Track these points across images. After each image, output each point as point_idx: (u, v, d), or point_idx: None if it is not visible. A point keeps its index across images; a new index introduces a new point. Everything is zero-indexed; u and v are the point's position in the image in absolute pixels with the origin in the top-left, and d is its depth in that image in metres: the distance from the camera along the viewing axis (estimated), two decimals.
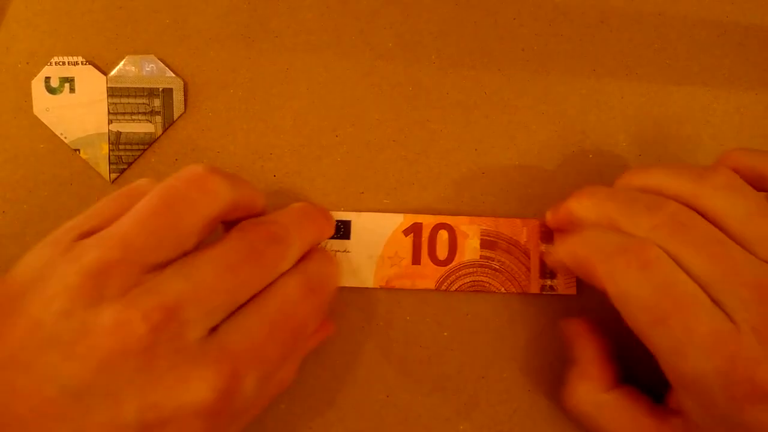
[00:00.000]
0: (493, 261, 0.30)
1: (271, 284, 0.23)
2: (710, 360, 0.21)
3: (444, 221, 0.30)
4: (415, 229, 0.30)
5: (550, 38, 0.32)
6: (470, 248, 0.30)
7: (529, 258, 0.30)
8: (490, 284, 0.30)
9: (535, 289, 0.30)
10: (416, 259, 0.29)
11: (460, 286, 0.30)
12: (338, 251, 0.29)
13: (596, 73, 0.32)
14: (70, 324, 0.19)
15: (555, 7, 0.32)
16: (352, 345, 0.30)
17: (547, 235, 0.30)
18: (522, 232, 0.30)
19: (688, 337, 0.21)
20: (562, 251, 0.26)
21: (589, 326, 0.28)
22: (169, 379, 0.19)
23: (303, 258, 0.25)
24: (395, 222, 0.30)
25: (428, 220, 0.30)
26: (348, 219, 0.30)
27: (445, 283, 0.29)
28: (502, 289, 0.30)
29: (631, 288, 0.23)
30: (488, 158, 0.31)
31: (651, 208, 0.24)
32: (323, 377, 0.30)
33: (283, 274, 0.24)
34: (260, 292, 0.23)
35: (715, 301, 0.22)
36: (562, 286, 0.30)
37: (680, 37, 0.32)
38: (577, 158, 0.31)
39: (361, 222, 0.30)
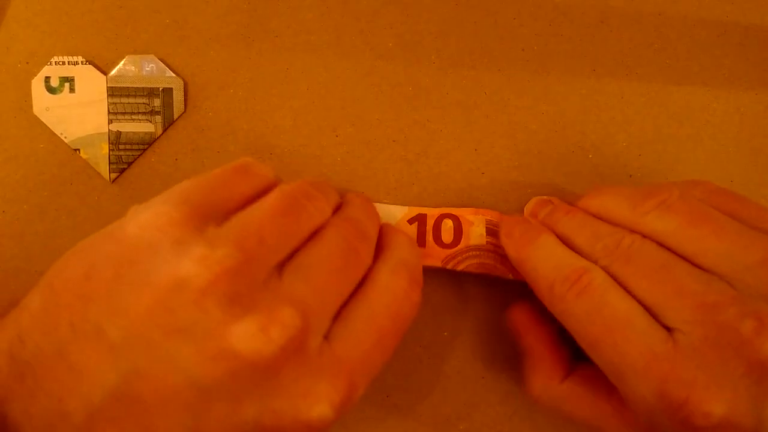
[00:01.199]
0: (499, 248, 0.29)
1: (369, 278, 0.23)
2: (645, 382, 0.21)
3: (448, 212, 0.29)
4: (419, 219, 0.29)
5: (550, 38, 0.32)
6: (476, 234, 0.29)
7: None
8: (497, 267, 0.28)
9: None
10: (421, 243, 0.29)
11: (467, 266, 0.29)
12: None
13: (596, 73, 0.32)
14: (204, 319, 0.18)
15: (555, 7, 0.32)
16: None
17: None
18: None
19: (621, 360, 0.22)
20: (512, 250, 0.27)
21: (532, 314, 0.27)
22: (293, 389, 0.20)
23: (385, 248, 0.25)
24: (399, 211, 0.29)
25: (432, 212, 0.29)
26: None
27: (452, 263, 0.29)
28: (510, 275, 0.28)
29: (567, 312, 0.23)
30: (488, 158, 0.31)
31: (598, 236, 0.24)
32: None
33: (373, 268, 0.24)
34: (359, 287, 0.23)
35: (663, 324, 0.22)
36: None
37: (680, 37, 0.32)
38: (577, 158, 0.31)
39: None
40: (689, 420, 0.20)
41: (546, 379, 0.26)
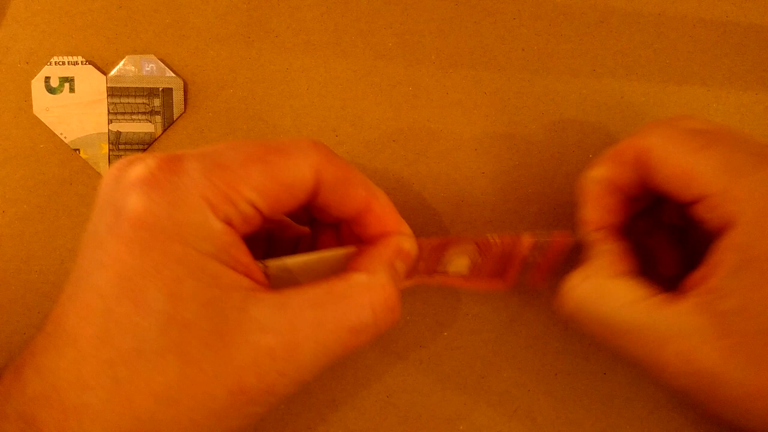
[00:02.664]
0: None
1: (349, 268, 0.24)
2: None
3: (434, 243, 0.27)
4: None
5: (550, 38, 0.32)
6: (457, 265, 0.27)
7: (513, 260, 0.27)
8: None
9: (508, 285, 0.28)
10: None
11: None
12: None
13: (596, 73, 0.32)
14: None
15: (555, 7, 0.32)
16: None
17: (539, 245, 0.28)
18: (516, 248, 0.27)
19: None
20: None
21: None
22: None
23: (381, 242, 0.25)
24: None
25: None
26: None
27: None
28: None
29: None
30: (488, 158, 0.31)
31: None
32: (323, 377, 0.30)
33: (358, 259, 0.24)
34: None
35: None
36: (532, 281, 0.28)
37: (680, 37, 0.32)
38: (577, 158, 0.31)
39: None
40: None
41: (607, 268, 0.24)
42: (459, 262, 0.27)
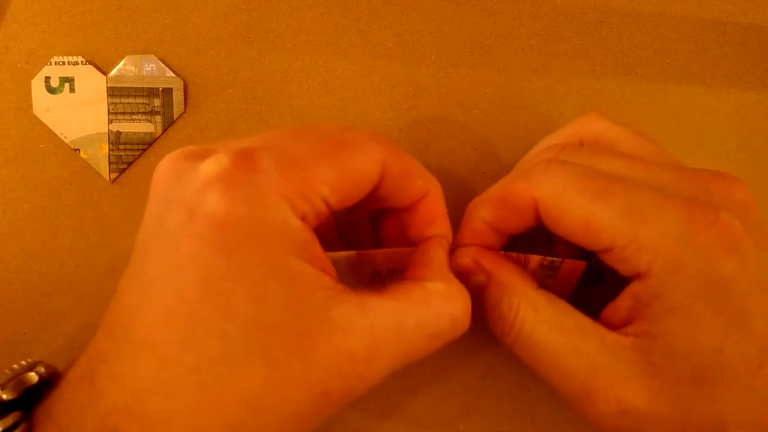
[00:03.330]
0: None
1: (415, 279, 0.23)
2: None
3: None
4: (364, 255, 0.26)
5: (550, 38, 0.32)
6: None
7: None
8: None
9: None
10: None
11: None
12: None
13: (596, 73, 0.32)
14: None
15: (555, 7, 0.32)
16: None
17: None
18: None
19: None
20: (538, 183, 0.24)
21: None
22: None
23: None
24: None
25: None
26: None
27: None
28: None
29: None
30: (488, 158, 0.31)
31: None
32: None
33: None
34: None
35: None
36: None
37: (680, 37, 0.32)
38: None
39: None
40: (721, 238, 0.21)
41: (521, 289, 0.24)
42: None
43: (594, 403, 0.22)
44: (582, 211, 0.22)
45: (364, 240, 0.28)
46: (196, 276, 0.18)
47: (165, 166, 0.21)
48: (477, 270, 0.25)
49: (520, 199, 0.23)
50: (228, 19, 0.32)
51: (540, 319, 0.23)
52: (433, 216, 0.24)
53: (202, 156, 0.20)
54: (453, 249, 0.26)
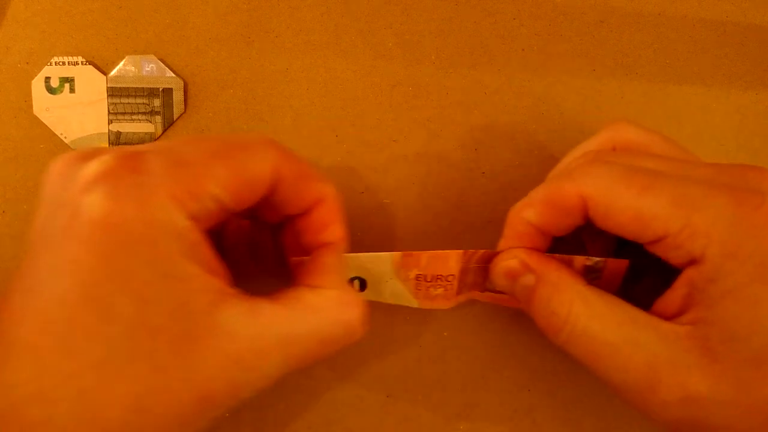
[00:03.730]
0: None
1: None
2: None
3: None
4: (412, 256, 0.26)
5: (550, 38, 0.32)
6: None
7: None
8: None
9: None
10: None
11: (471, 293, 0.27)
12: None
13: (596, 73, 0.32)
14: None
15: (555, 7, 0.32)
16: (353, 345, 0.30)
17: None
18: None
19: None
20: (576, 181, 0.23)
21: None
22: None
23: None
24: (387, 255, 0.26)
25: (416, 252, 0.26)
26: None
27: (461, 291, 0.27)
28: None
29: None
30: (488, 158, 0.31)
31: None
32: (323, 377, 0.30)
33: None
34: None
35: None
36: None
37: (680, 37, 0.32)
38: None
39: (356, 261, 0.26)
40: None
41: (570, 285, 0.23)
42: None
43: (657, 393, 0.22)
44: (632, 203, 0.22)
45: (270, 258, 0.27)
46: (77, 280, 0.18)
47: (54, 168, 0.20)
48: (525, 271, 0.24)
49: (567, 198, 0.23)
50: (228, 19, 0.32)
51: (594, 314, 0.22)
52: (327, 221, 0.24)
53: (89, 157, 0.20)
54: (495, 255, 0.25)
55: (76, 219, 0.19)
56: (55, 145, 0.31)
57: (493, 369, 0.30)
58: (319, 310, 0.22)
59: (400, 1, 0.32)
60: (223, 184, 0.20)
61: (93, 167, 0.19)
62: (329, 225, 0.24)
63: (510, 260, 0.25)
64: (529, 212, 0.25)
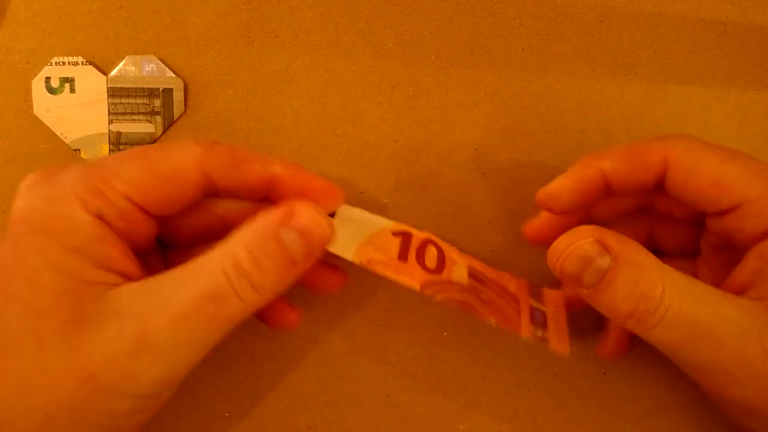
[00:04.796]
0: (482, 293, 0.25)
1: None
2: None
3: (434, 239, 0.26)
4: (404, 236, 0.26)
5: (550, 38, 0.32)
6: (458, 273, 0.26)
7: (519, 304, 0.26)
8: (476, 309, 0.24)
9: (526, 333, 0.25)
10: (403, 257, 0.25)
11: (447, 299, 0.24)
12: None
13: (596, 73, 0.32)
14: None
15: (555, 7, 0.32)
16: (352, 345, 0.30)
17: (536, 291, 0.27)
18: (510, 283, 0.27)
19: None
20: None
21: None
22: None
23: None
24: (385, 222, 0.26)
25: (417, 233, 0.26)
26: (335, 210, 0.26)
27: (431, 290, 0.24)
28: (492, 320, 0.24)
29: None
30: (488, 158, 0.31)
31: None
32: (323, 377, 0.30)
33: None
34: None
35: None
36: (554, 341, 0.25)
37: (680, 37, 0.32)
38: (577, 158, 0.31)
39: (351, 213, 0.26)
40: None
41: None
42: (458, 273, 0.26)
43: (751, 367, 0.21)
44: (716, 168, 0.23)
45: None
46: None
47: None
48: (603, 251, 0.21)
49: (652, 152, 0.24)
50: (228, 19, 0.32)
51: (686, 293, 0.21)
52: (303, 192, 0.24)
53: (36, 171, 0.23)
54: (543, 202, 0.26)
55: (6, 218, 0.22)
56: (55, 145, 0.31)
57: (493, 369, 0.30)
58: (201, 268, 0.21)
59: (400, 1, 0.32)
60: (133, 182, 0.22)
61: (28, 178, 0.22)
62: (283, 203, 0.23)
63: (583, 242, 0.22)
64: (606, 160, 0.24)
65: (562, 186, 0.25)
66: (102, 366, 0.20)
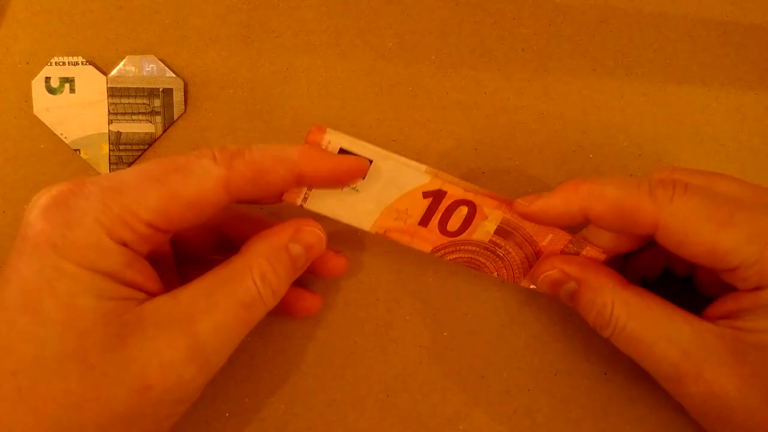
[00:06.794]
0: (499, 248, 0.27)
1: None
2: None
3: (469, 199, 0.26)
4: (436, 196, 0.26)
5: (550, 38, 0.32)
6: (483, 230, 0.27)
7: (536, 260, 0.28)
8: (484, 265, 0.27)
9: (525, 283, 0.28)
10: (425, 222, 0.27)
11: (456, 258, 0.27)
12: (348, 187, 0.26)
13: (596, 73, 0.32)
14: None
15: (555, 7, 0.32)
16: (352, 345, 0.30)
17: (579, 243, 0.27)
18: (546, 237, 0.27)
19: None
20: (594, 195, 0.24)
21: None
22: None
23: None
24: (419, 180, 0.26)
25: (453, 191, 0.26)
26: (370, 158, 0.26)
27: (441, 251, 0.27)
28: (495, 274, 0.28)
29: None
30: (488, 158, 0.31)
31: None
32: (323, 377, 0.30)
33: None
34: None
35: None
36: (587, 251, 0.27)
37: (680, 37, 0.32)
38: (577, 158, 0.31)
39: (385, 167, 0.26)
40: None
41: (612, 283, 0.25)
42: (483, 230, 0.27)
43: (684, 386, 0.23)
44: (709, 238, 0.23)
45: None
46: (16, 287, 0.21)
47: (32, 200, 0.23)
48: (567, 279, 0.26)
49: (641, 214, 0.24)
50: (228, 19, 0.32)
51: (632, 314, 0.24)
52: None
53: (49, 188, 0.22)
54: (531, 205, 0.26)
55: (22, 238, 0.21)
56: (55, 145, 0.31)
57: (493, 369, 0.30)
58: (232, 278, 0.23)
59: (400, 1, 0.32)
60: (156, 210, 0.22)
61: (44, 195, 0.22)
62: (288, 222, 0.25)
63: (551, 271, 0.26)
64: (593, 204, 0.24)
65: (541, 211, 0.25)
66: (157, 375, 0.21)
